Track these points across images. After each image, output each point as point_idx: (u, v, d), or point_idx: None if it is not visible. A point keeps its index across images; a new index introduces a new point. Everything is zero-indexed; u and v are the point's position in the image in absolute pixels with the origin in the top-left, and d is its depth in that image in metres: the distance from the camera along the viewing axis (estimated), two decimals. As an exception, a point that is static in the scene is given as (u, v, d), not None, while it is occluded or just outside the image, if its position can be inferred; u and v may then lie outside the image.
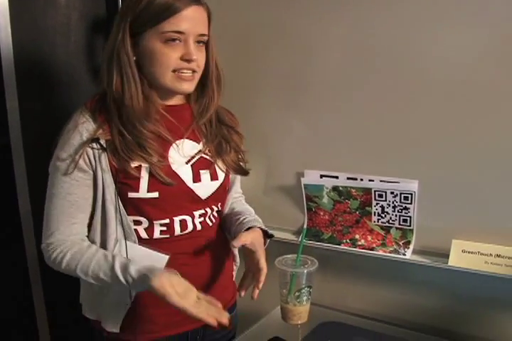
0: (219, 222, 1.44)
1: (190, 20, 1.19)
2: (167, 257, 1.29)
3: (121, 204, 1.23)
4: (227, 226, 1.45)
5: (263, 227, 1.40)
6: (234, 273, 1.53)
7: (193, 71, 1.23)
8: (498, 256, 1.45)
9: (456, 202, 1.50)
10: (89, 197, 1.24)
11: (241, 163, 1.40)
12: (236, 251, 1.49)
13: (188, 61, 1.20)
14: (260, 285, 1.29)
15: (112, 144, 1.21)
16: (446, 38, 1.43)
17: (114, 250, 1.25)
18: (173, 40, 1.19)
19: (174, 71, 1.21)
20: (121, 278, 1.17)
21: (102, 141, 1.21)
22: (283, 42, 1.66)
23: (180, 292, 1.14)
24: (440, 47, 1.44)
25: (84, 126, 1.21)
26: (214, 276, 1.40)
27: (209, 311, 1.14)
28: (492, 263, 1.46)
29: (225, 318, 1.15)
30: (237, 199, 1.51)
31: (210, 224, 1.37)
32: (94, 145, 1.20)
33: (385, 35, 1.51)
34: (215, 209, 1.38)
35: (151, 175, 1.23)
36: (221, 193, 1.38)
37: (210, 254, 1.38)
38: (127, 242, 1.26)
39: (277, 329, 1.53)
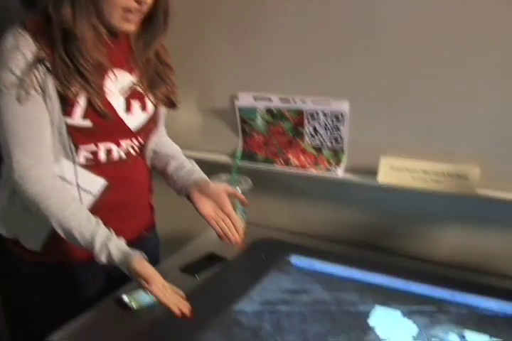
0: (145, 154, 1.44)
1: None
2: (103, 182, 1.31)
3: (64, 126, 1.22)
4: (161, 165, 1.47)
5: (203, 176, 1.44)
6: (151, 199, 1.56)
7: (141, 12, 1.20)
8: (425, 172, 1.51)
9: (386, 120, 1.54)
10: (46, 118, 1.21)
11: (171, 97, 1.39)
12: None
13: (140, 3, 1.16)
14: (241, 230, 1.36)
15: (54, 69, 1.17)
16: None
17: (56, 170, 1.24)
18: None
19: (123, 10, 1.17)
20: (96, 246, 1.17)
21: (47, 64, 1.17)
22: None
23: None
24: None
25: (27, 47, 1.16)
26: (135, 199, 1.43)
27: (173, 300, 1.17)
28: (419, 179, 1.53)
29: (186, 308, 1.17)
30: (166, 138, 1.52)
31: (135, 154, 1.38)
32: (40, 67, 1.16)
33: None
34: (141, 140, 1.39)
35: (88, 103, 1.21)
36: (150, 126, 1.39)
37: (132, 181, 1.40)
38: (67, 161, 1.26)
39: (213, 247, 1.59)
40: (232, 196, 1.38)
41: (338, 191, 1.71)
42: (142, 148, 1.41)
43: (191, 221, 1.43)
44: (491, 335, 1.24)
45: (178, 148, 1.52)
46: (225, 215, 1.35)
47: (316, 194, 1.75)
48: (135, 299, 1.32)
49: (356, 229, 1.71)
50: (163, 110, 1.42)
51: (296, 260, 1.57)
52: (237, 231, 1.35)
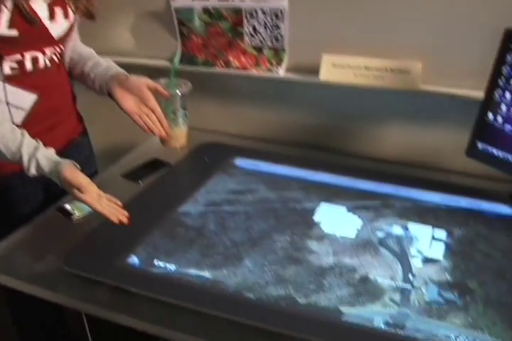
0: (64, 61, 1.39)
1: None
2: (34, 96, 1.26)
3: None
4: (78, 68, 1.42)
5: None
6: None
7: None
8: (367, 68, 1.49)
9: (327, 16, 1.49)
10: None
11: (90, 8, 1.32)
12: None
13: None
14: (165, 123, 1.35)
15: None
16: None
17: None
18: None
19: None
20: (24, 157, 1.13)
21: None
22: None
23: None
24: None
25: None
26: (62, 107, 1.39)
27: (109, 208, 1.15)
28: (361, 75, 1.51)
29: (123, 216, 1.15)
30: (79, 43, 1.46)
31: (58, 62, 1.32)
32: None
33: None
34: (63, 48, 1.33)
35: (14, 11, 1.13)
36: (70, 33, 1.33)
37: (57, 89, 1.35)
38: None
39: (156, 153, 1.56)
40: (153, 90, 1.34)
41: (280, 91, 1.67)
42: (62, 55, 1.36)
43: (129, 133, 1.40)
44: (434, 225, 1.28)
45: (92, 50, 1.46)
46: (149, 110, 1.32)
47: (259, 95, 1.72)
48: (78, 207, 1.30)
49: (300, 130, 1.70)
50: (76, 17, 1.35)
51: (241, 162, 1.56)
52: (162, 125, 1.33)
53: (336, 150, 1.66)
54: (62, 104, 1.39)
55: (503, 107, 1.29)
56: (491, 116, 1.32)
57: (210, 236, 1.24)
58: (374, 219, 1.30)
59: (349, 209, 1.34)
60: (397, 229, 1.26)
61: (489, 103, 1.32)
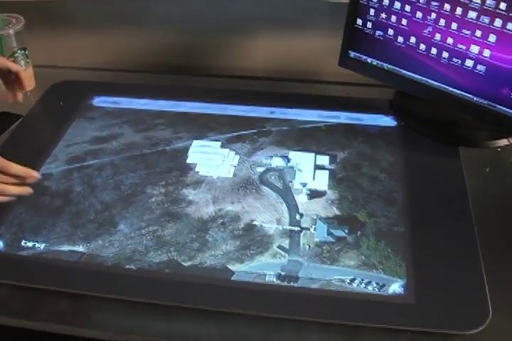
0: None
1: None
2: None
3: None
4: None
5: None
6: None
7: None
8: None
9: None
10: None
11: None
12: None
13: None
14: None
15: None
16: None
17: None
18: None
19: None
20: None
21: None
22: None
23: None
24: None
25: None
26: None
27: None
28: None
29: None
30: None
31: None
32: None
33: None
34: None
35: None
36: None
37: None
38: None
39: (3, 105, 1.36)
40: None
41: (131, 12, 1.47)
42: None
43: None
44: (316, 152, 1.19)
45: None
46: None
47: (106, 19, 1.50)
48: None
49: (159, 52, 1.52)
50: None
51: (99, 100, 1.38)
52: (21, 83, 1.12)
53: (202, 73, 1.51)
54: None
55: (371, 11, 1.18)
56: (359, 21, 1.22)
57: (79, 200, 1.10)
58: (251, 152, 1.20)
59: (223, 144, 1.22)
60: (277, 161, 1.17)
61: (356, 7, 1.20)
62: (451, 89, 1.15)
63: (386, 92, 1.33)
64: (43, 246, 1.01)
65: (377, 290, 0.91)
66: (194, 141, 1.24)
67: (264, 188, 1.11)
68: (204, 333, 0.89)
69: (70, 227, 1.04)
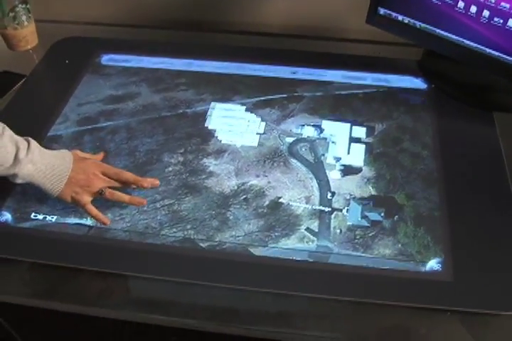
0: None
1: None
2: None
3: None
4: None
5: None
6: None
7: None
8: None
9: None
10: None
11: None
12: None
13: None
14: None
15: None
16: None
17: None
18: None
19: None
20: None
21: None
22: None
23: None
24: None
25: None
26: None
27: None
28: None
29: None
30: None
31: None
32: None
33: None
34: None
35: None
36: None
37: None
38: None
39: (6, 64, 1.25)
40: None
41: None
42: None
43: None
44: (353, 123, 1.07)
45: None
46: None
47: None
48: None
49: (169, 6, 1.37)
50: None
51: (114, 58, 1.26)
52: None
53: (214, 28, 1.37)
54: None
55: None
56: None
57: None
58: (280, 119, 1.09)
59: (248, 109, 1.11)
60: (309, 131, 1.06)
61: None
62: (489, 50, 1.02)
63: (411, 52, 1.21)
64: (51, 218, 0.92)
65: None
66: (217, 104, 1.12)
67: (293, 161, 1.00)
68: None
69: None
